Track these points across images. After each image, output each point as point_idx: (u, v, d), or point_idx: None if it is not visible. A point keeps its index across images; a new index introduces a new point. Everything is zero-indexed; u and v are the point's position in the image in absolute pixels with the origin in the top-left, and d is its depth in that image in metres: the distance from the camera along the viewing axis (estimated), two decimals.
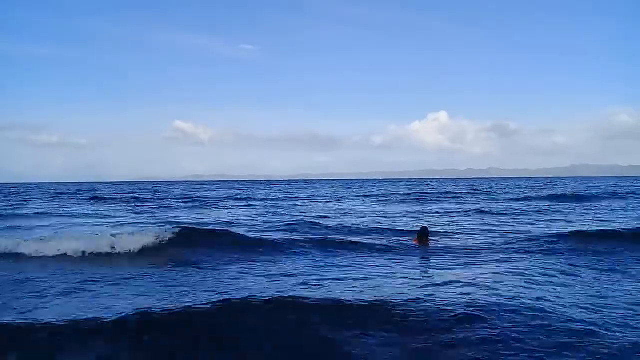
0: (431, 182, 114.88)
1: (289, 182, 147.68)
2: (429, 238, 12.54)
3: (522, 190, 49.12)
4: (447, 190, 51.79)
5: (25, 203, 37.10)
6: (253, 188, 76.15)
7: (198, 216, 23.26)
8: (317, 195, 48.26)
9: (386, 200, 36.43)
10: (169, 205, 33.71)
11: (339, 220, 20.07)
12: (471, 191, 49.87)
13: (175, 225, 13.28)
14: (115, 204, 36.14)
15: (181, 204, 35.43)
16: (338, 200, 39.89)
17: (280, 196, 47.69)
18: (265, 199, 40.90)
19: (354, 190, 59.37)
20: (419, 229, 13.13)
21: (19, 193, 60.97)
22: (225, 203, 37.04)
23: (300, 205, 32.47)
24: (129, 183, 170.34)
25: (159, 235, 11.67)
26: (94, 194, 53.05)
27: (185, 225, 13.48)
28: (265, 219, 20.41)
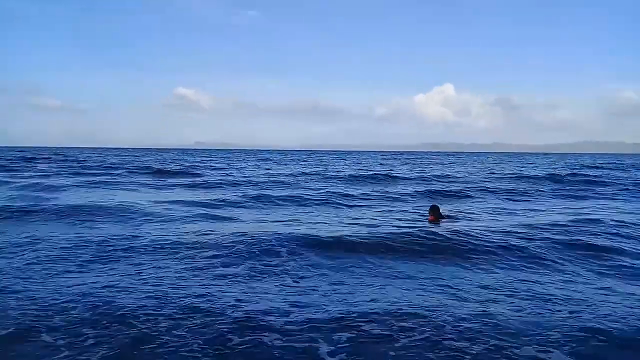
0: (480, 157, 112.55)
1: (302, 152, 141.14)
2: (444, 216, 13.08)
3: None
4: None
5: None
6: (299, 158, 71.28)
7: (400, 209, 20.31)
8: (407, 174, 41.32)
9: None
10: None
11: None
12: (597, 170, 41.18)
13: None
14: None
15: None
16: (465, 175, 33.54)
17: (355, 172, 36.15)
18: (353, 177, 31.63)
19: (414, 164, 54.09)
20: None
21: (71, 159, 57.70)
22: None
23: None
24: (142, 150, 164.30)
25: None
26: (155, 166, 43.23)
27: None
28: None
